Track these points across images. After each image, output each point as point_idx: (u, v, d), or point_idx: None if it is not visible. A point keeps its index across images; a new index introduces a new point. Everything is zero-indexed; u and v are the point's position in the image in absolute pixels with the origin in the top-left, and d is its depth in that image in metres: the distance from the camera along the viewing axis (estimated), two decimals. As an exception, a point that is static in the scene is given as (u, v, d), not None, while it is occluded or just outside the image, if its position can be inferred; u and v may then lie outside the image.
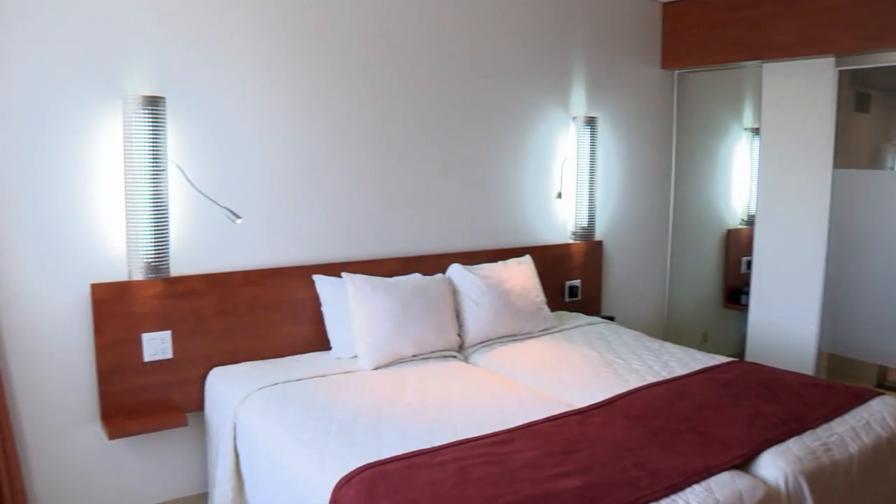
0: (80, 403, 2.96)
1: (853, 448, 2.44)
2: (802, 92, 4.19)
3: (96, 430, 3.00)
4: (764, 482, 2.22)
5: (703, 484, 2.12)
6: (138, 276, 2.94)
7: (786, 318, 4.36)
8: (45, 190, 2.81)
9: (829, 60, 4.03)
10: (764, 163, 4.45)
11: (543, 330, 3.79)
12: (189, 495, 3.25)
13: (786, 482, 2.23)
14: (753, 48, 4.27)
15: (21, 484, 2.78)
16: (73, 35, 2.81)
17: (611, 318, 4.35)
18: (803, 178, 4.23)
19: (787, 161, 4.31)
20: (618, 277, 4.80)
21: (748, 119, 5.23)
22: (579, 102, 4.42)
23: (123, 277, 2.97)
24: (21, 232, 2.79)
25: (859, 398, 2.78)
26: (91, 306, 2.91)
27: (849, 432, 2.52)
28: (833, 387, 2.93)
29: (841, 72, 4.04)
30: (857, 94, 4.32)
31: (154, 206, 2.90)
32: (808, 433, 2.49)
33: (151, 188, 2.89)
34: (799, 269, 4.29)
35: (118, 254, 2.97)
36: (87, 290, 2.91)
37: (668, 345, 3.62)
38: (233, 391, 2.93)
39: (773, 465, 2.28)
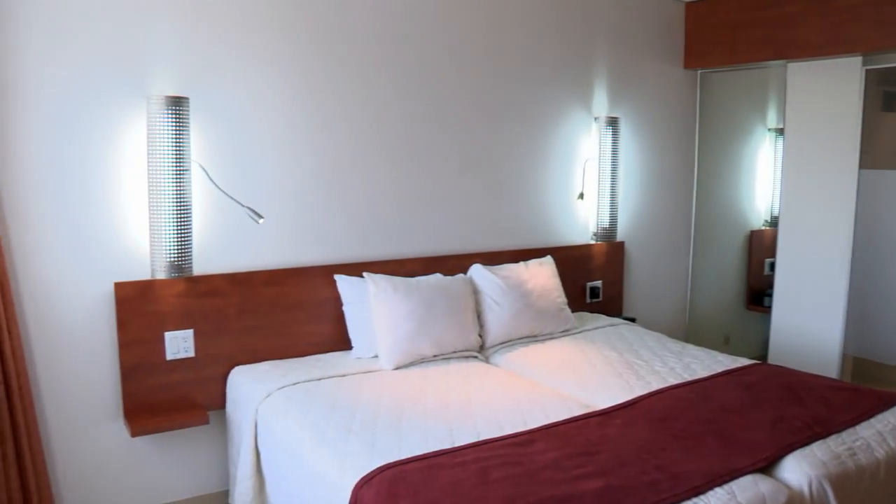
0: (103, 401, 3.00)
1: (880, 453, 2.40)
2: (828, 91, 4.14)
3: (119, 427, 3.03)
4: (787, 486, 2.20)
5: (726, 487, 2.10)
6: (161, 275, 2.96)
7: (810, 321, 4.31)
8: (73, 190, 2.85)
9: (855, 59, 3.98)
10: (788, 163, 4.40)
11: (564, 331, 3.77)
12: (210, 493, 3.28)
13: (810, 487, 2.20)
14: (778, 48, 4.23)
15: (47, 479, 2.81)
16: (100, 39, 2.84)
17: (632, 320, 4.32)
18: (828, 178, 4.18)
19: (811, 161, 4.26)
20: (639, 278, 4.77)
21: (772, 119, 5.18)
22: (601, 103, 4.40)
23: (147, 276, 3.00)
24: (48, 231, 2.83)
25: (886, 402, 2.73)
26: (115, 305, 2.94)
27: (875, 437, 2.48)
28: (858, 390, 2.88)
29: (868, 71, 3.98)
30: (884, 94, 4.26)
31: (177, 206, 2.92)
32: (833, 437, 2.45)
33: (175, 188, 2.91)
34: (823, 271, 4.23)
35: (142, 253, 2.99)
36: (111, 289, 2.94)
37: (690, 346, 3.59)
38: (254, 390, 2.95)
39: (797, 469, 2.25)
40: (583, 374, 3.16)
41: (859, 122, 4.01)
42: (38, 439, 2.79)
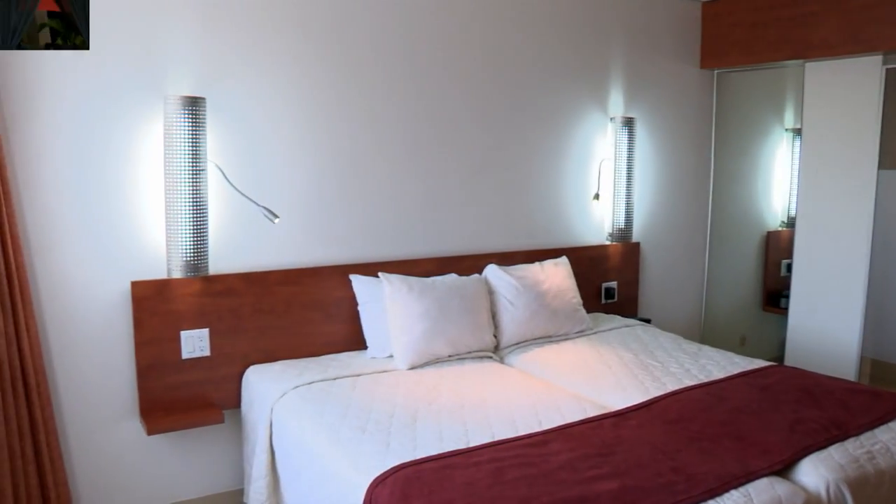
0: (119, 399, 3.02)
1: (899, 457, 2.38)
2: (847, 91, 4.09)
3: (135, 425, 3.04)
4: (804, 489, 2.18)
5: (742, 490, 2.09)
6: (177, 274, 2.98)
7: (827, 323, 4.27)
8: (91, 189, 2.87)
9: (875, 58, 3.93)
10: (806, 164, 4.36)
11: (579, 331, 3.76)
12: (225, 491, 3.29)
13: (827, 490, 2.18)
14: (796, 47, 4.19)
15: (64, 476, 2.84)
16: (119, 40, 2.86)
17: (647, 321, 4.30)
18: (846, 179, 4.14)
19: (829, 162, 4.22)
20: (655, 279, 4.75)
21: (789, 119, 5.14)
22: (617, 103, 4.38)
23: (163, 275, 3.02)
24: (66, 230, 2.85)
25: (905, 405, 2.71)
26: (131, 303, 2.96)
27: (894, 441, 2.45)
28: (877, 393, 2.85)
29: (888, 70, 3.94)
30: (904, 93, 4.21)
31: (193, 205, 2.94)
32: (851, 440, 2.43)
33: (191, 187, 2.92)
34: (841, 272, 4.19)
35: (158, 252, 3.01)
36: (128, 288, 2.96)
37: (706, 348, 3.57)
38: (269, 389, 2.96)
39: (814, 472, 2.24)
40: (598, 375, 3.15)
41: (879, 121, 3.96)
42: (55, 437, 2.81)
